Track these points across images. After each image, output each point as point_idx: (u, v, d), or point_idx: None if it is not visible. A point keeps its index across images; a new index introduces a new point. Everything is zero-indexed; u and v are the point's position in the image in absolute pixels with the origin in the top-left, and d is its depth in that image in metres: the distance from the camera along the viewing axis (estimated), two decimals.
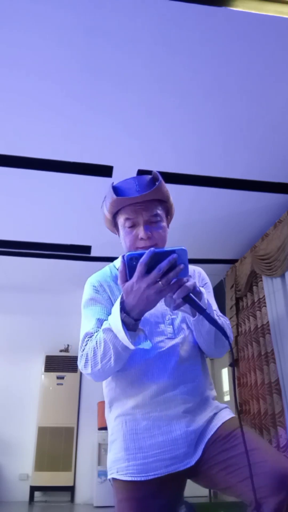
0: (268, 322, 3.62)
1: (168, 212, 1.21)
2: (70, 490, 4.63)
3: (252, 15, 1.88)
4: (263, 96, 2.34)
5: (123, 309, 0.96)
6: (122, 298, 0.97)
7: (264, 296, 3.74)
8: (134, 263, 0.91)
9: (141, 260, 0.90)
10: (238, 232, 3.90)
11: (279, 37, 1.99)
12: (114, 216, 1.19)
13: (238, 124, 2.55)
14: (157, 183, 1.12)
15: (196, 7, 1.84)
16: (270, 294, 3.67)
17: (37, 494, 4.61)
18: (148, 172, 2.93)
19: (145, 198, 1.11)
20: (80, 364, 1.08)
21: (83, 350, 1.08)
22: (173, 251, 0.90)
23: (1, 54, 2.04)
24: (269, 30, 1.95)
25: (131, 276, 0.93)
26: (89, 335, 1.09)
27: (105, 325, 1.03)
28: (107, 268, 1.26)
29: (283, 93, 2.32)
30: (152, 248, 0.91)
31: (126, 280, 0.94)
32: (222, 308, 4.50)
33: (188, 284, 0.93)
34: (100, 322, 1.11)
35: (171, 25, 1.92)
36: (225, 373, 4.99)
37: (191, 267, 1.31)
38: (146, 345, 0.98)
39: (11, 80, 2.18)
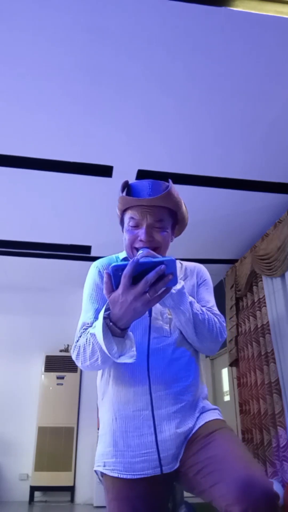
0: (268, 322, 3.61)
1: (177, 222, 1.21)
2: (70, 490, 4.63)
3: (252, 15, 1.88)
4: (263, 96, 2.34)
5: (110, 317, 0.95)
6: (107, 305, 0.95)
7: (264, 296, 3.74)
8: (120, 273, 0.88)
9: (124, 272, 0.86)
10: (238, 232, 3.89)
11: (279, 37, 1.99)
12: (123, 213, 1.21)
13: (238, 124, 2.55)
14: (165, 191, 1.13)
15: (196, 7, 1.84)
16: (270, 294, 3.67)
17: (37, 494, 4.61)
18: (149, 172, 2.94)
19: (152, 203, 1.12)
20: (73, 355, 1.09)
21: (77, 342, 1.09)
22: (161, 262, 0.87)
23: (2, 55, 2.04)
24: (269, 30, 1.95)
25: (117, 287, 0.89)
26: (85, 327, 1.11)
27: (93, 329, 1.03)
28: (113, 256, 1.28)
29: (283, 93, 2.32)
30: (135, 258, 0.88)
31: (112, 290, 0.91)
32: (222, 308, 4.51)
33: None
34: (98, 312, 1.11)
35: (170, 25, 1.92)
36: (225, 373, 4.99)
37: (191, 264, 1.32)
38: (129, 357, 0.94)
39: (12, 80, 2.18)
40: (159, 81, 2.22)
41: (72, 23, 1.90)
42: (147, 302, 0.88)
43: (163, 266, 0.86)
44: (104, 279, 0.91)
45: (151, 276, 0.86)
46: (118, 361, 0.95)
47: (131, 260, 0.87)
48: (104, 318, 0.94)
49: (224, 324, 1.20)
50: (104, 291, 0.92)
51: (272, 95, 2.34)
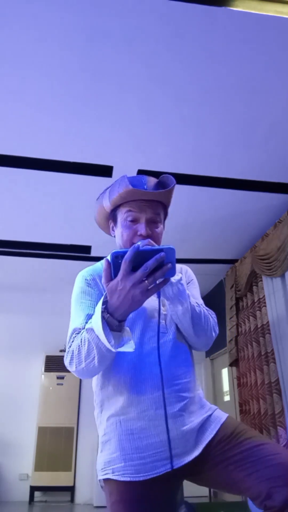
0: (268, 322, 3.62)
1: (165, 217, 1.24)
2: (70, 490, 4.63)
3: (252, 15, 1.88)
4: (263, 96, 2.34)
5: (106, 309, 0.93)
6: (105, 297, 0.94)
7: (264, 296, 3.74)
8: (120, 261, 0.87)
9: (125, 257, 0.86)
10: (238, 232, 3.90)
11: (279, 37, 1.99)
12: (116, 208, 1.19)
13: (238, 124, 2.55)
14: (172, 185, 1.14)
15: (196, 7, 1.84)
16: (270, 294, 3.67)
17: (37, 494, 4.61)
18: (149, 172, 2.93)
19: (157, 196, 1.13)
20: (66, 360, 1.06)
21: (70, 347, 1.06)
22: (161, 250, 0.87)
23: (2, 55, 2.04)
24: (269, 30, 1.95)
25: (116, 275, 0.88)
26: (77, 331, 1.07)
27: (88, 324, 1.01)
28: (99, 263, 1.26)
29: (283, 93, 2.32)
30: (136, 244, 0.87)
31: (111, 279, 0.90)
32: (222, 308, 4.50)
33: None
34: (89, 317, 1.09)
35: (170, 25, 1.92)
36: (225, 373, 4.99)
37: (178, 265, 1.31)
38: (129, 347, 0.94)
39: (12, 80, 2.18)
40: (159, 81, 2.22)
41: (72, 23, 1.90)
42: (146, 290, 0.87)
43: (162, 253, 0.86)
44: (104, 266, 0.90)
45: (150, 262, 0.85)
46: (118, 350, 0.94)
47: (132, 247, 0.87)
48: (101, 311, 0.93)
49: (216, 320, 1.21)
50: (103, 280, 0.91)
51: (272, 95, 2.34)
